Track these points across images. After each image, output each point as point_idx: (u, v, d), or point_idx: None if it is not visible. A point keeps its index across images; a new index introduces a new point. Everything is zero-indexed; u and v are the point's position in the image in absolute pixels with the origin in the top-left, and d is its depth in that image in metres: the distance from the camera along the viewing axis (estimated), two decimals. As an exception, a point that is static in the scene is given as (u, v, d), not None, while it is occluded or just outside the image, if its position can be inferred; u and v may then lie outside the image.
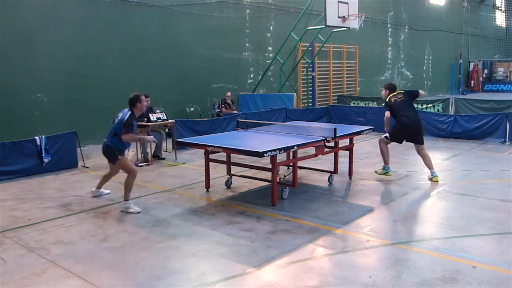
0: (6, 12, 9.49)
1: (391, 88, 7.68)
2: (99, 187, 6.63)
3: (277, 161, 6.00)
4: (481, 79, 30.14)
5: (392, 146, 9.83)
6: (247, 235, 5.00)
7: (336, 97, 17.79)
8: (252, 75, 15.30)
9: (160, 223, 5.43)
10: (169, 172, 8.19)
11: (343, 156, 7.72)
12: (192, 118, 12.45)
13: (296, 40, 14.51)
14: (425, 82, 25.90)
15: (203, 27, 13.44)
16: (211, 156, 6.72)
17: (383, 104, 7.85)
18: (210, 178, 6.86)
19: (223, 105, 12.74)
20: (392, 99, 7.42)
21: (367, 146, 10.37)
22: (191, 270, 4.16)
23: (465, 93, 27.77)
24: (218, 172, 7.63)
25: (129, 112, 5.78)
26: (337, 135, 6.58)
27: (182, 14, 12.86)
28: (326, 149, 7.00)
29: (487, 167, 8.17)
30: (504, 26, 32.30)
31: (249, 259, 4.36)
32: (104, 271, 4.17)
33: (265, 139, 6.66)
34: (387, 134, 7.52)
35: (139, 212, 5.80)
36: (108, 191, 6.70)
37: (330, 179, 7.23)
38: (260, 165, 6.74)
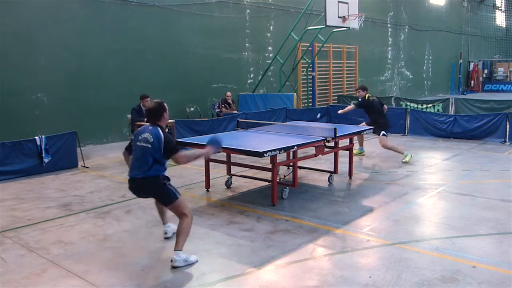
0: (6, 12, 9.49)
1: (367, 89, 9.11)
2: (164, 221, 5.08)
3: (277, 161, 6.00)
4: (481, 79, 30.13)
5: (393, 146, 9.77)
6: (247, 235, 5.00)
7: (336, 97, 17.78)
8: (252, 75, 15.30)
9: (160, 223, 5.42)
10: (169, 172, 8.17)
11: (343, 156, 7.73)
12: (192, 118, 12.45)
13: (296, 40, 14.51)
14: (425, 82, 25.90)
15: (203, 27, 13.44)
16: (211, 156, 6.70)
17: (359, 101, 9.09)
18: (210, 178, 6.86)
19: (223, 105, 12.74)
20: (371, 98, 8.89)
21: (367, 146, 10.36)
22: (191, 270, 4.17)
23: (465, 93, 27.76)
24: (218, 172, 7.63)
25: (159, 128, 4.30)
26: (337, 135, 6.59)
27: (182, 14, 12.86)
28: (326, 149, 7.00)
29: (487, 167, 8.17)
30: (504, 26, 32.30)
31: (249, 259, 4.36)
32: (104, 271, 4.17)
33: (265, 139, 6.66)
34: (383, 132, 8.68)
35: (197, 261, 4.37)
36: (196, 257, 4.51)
37: (330, 179, 7.23)
38: (260, 165, 6.75)
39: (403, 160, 8.59)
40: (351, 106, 9.22)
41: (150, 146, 4.21)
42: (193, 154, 4.41)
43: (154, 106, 4.41)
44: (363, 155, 9.39)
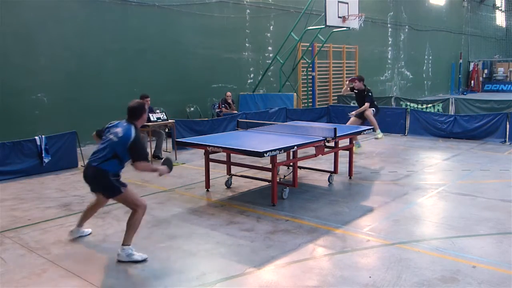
0: (6, 12, 9.49)
1: (364, 79, 9.40)
2: (80, 224, 5.02)
3: (277, 161, 6.00)
4: (481, 79, 30.13)
5: (392, 146, 9.84)
6: (247, 235, 5.00)
7: (336, 97, 17.78)
8: (252, 75, 15.30)
9: (160, 223, 5.43)
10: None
11: (343, 156, 7.72)
12: (192, 118, 12.45)
13: (296, 40, 14.51)
14: (425, 82, 25.90)
15: (203, 27, 13.44)
16: (211, 156, 6.72)
17: (370, 94, 9.28)
18: (210, 178, 6.86)
19: (223, 105, 12.74)
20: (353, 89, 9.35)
21: (367, 146, 10.37)
22: (191, 270, 4.17)
23: (465, 93, 27.76)
24: (218, 172, 7.63)
25: (133, 127, 4.34)
26: (337, 135, 6.59)
27: (182, 14, 12.86)
28: (326, 149, 7.00)
29: (487, 167, 8.17)
30: (504, 26, 32.30)
31: (249, 259, 4.36)
32: (104, 271, 4.17)
33: (265, 139, 6.66)
34: (373, 108, 9.26)
35: (145, 260, 4.37)
36: (90, 230, 5.15)
37: (330, 179, 7.23)
38: (260, 165, 6.75)
39: (375, 137, 9.34)
40: (366, 105, 9.16)
41: (116, 140, 4.27)
42: (151, 168, 4.55)
43: (134, 105, 4.41)
44: (360, 149, 9.59)
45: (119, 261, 4.32)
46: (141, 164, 4.27)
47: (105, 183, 4.33)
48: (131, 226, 4.39)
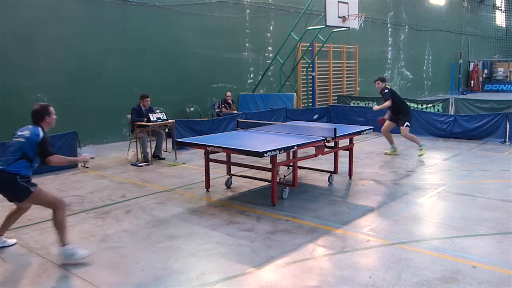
0: (6, 12, 9.49)
1: (385, 80, 9.17)
2: (1, 233, 4.75)
3: (277, 161, 6.00)
4: (481, 79, 30.14)
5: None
6: (247, 235, 5.00)
7: (336, 97, 17.79)
8: (252, 75, 15.30)
9: (160, 223, 5.43)
10: (169, 172, 8.19)
11: (343, 156, 7.72)
12: (192, 118, 12.45)
13: (296, 40, 14.52)
14: (425, 82, 25.91)
15: (203, 27, 13.44)
16: (211, 156, 6.72)
17: (386, 91, 9.04)
18: (210, 178, 6.86)
19: (223, 105, 12.74)
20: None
21: (367, 146, 10.37)
22: (191, 270, 4.17)
23: (465, 93, 27.76)
24: (218, 172, 7.63)
25: (40, 128, 4.34)
26: (337, 135, 6.59)
27: (182, 14, 12.86)
28: (326, 149, 7.00)
29: (487, 167, 8.17)
30: (504, 26, 32.32)
31: (249, 259, 4.36)
32: (104, 271, 4.17)
33: (265, 139, 6.66)
34: (407, 124, 9.01)
35: (87, 256, 4.34)
36: (14, 240, 4.86)
37: (330, 179, 7.23)
38: (260, 165, 6.75)
39: (419, 154, 8.96)
40: (387, 103, 9.06)
41: (24, 140, 4.27)
42: (66, 159, 4.64)
43: (36, 108, 4.41)
44: (397, 153, 9.31)
45: (63, 264, 4.25)
46: (53, 158, 4.32)
47: (12, 185, 4.20)
48: (59, 227, 4.29)
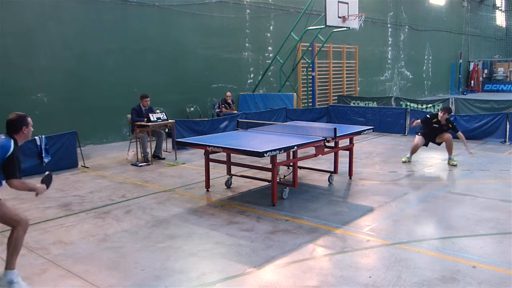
0: (6, 12, 9.49)
1: (449, 112, 8.69)
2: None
3: (277, 161, 5.99)
4: (481, 79, 30.15)
5: (392, 146, 9.83)
6: (247, 235, 5.00)
7: (336, 97, 17.79)
8: (252, 75, 15.31)
9: (160, 223, 5.43)
10: (169, 172, 8.19)
11: (343, 156, 7.73)
12: (192, 118, 12.45)
13: (296, 40, 14.52)
14: (425, 82, 25.91)
15: (203, 27, 13.45)
16: (211, 156, 6.72)
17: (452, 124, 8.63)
18: (210, 178, 6.86)
19: (223, 105, 12.75)
20: (433, 120, 8.51)
21: (367, 146, 10.37)
22: (191, 270, 4.17)
23: (465, 93, 27.78)
24: (218, 172, 7.63)
25: (12, 140, 3.80)
26: (337, 135, 6.59)
27: (182, 14, 12.87)
28: (326, 149, 7.00)
29: (487, 167, 8.17)
30: (504, 26, 32.34)
31: (249, 259, 4.36)
32: (104, 271, 4.17)
33: (265, 139, 6.65)
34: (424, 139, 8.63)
35: None
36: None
37: (330, 179, 7.23)
38: (260, 165, 6.74)
39: (452, 163, 8.42)
40: (418, 121, 8.82)
41: None
42: (28, 186, 3.97)
43: (12, 117, 3.89)
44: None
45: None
46: (16, 182, 3.75)
47: None
48: (12, 246, 3.78)
